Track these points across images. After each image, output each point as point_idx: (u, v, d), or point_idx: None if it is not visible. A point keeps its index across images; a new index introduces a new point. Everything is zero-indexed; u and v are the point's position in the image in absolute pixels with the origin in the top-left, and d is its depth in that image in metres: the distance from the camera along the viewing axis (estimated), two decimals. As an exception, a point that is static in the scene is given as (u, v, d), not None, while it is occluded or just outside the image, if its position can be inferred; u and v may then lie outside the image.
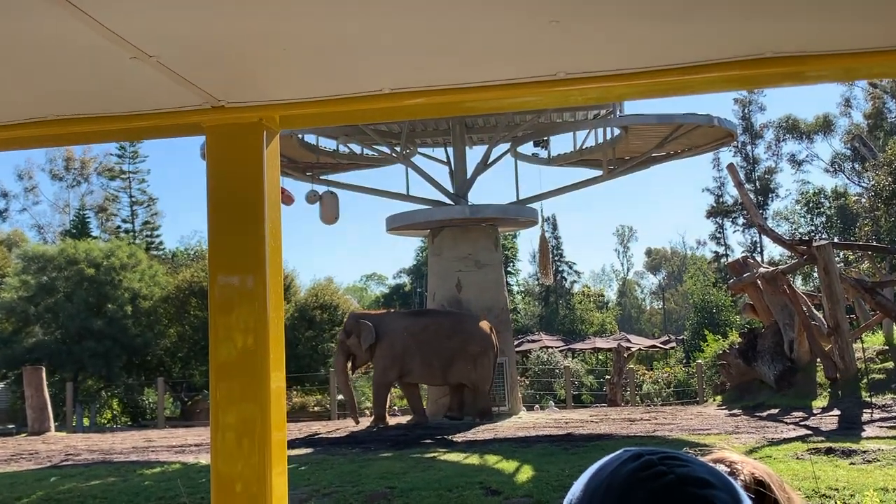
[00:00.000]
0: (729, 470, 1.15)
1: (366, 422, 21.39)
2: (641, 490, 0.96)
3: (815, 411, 18.16)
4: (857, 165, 55.94)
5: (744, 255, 32.39)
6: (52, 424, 23.62)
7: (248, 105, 2.02)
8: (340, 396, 29.48)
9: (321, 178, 24.40)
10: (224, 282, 2.03)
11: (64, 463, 16.15)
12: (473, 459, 14.25)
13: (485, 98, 1.99)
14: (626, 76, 1.89)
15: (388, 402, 21.51)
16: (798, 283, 41.18)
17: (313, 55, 1.81)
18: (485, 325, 20.43)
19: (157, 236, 55.94)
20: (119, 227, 56.47)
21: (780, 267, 23.51)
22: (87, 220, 55.48)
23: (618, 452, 1.03)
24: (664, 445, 14.44)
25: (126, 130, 2.14)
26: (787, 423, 16.93)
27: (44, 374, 24.32)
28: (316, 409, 30.71)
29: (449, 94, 1.97)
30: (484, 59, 1.84)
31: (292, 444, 16.89)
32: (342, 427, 20.75)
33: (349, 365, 20.61)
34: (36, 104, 2.03)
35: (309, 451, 16.09)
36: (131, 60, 1.75)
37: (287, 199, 20.40)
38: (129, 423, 35.14)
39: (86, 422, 34.74)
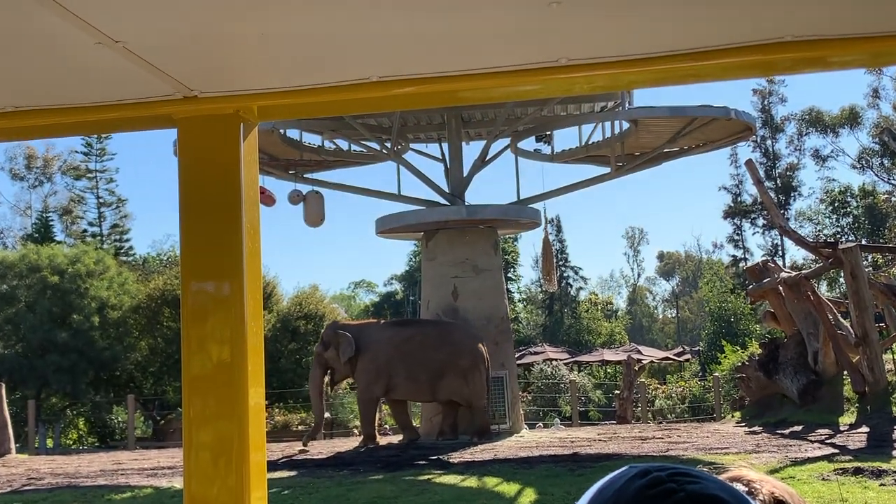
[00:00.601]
0: (747, 489, 1.15)
1: (354, 442, 21.36)
2: None
3: (842, 428, 18.17)
4: (886, 161, 56.08)
5: (764, 258, 32.44)
6: (13, 446, 23.55)
7: (224, 95, 2.01)
8: (327, 414, 29.43)
9: (305, 176, 24.40)
10: (198, 289, 2.02)
11: (25, 488, 16.10)
12: (471, 482, 14.25)
13: (481, 87, 1.99)
14: (634, 62, 1.89)
15: (376, 418, 21.42)
16: (823, 289, 41.25)
17: (294, 41, 1.80)
18: (473, 335, 20.42)
19: (127, 241, 55.90)
20: (85, 230, 56.39)
21: (803, 271, 23.54)
22: (51, 223, 55.34)
23: (623, 469, 1.03)
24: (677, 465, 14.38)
25: (91, 123, 2.14)
26: (811, 440, 16.95)
27: (3, 391, 24.23)
28: (300, 427, 30.67)
29: (442, 83, 1.97)
30: (479, 44, 1.84)
31: (274, 465, 16.86)
32: (329, 447, 20.71)
33: (327, 380, 20.49)
34: (-9, 95, 2.02)
35: (292, 473, 16.07)
36: (96, 46, 1.74)
37: (267, 199, 20.39)
38: (97, 444, 35.08)
39: (49, 443, 34.68)
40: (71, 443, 37.25)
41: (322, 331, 21.13)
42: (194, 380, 2.01)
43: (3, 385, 25.05)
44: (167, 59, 1.84)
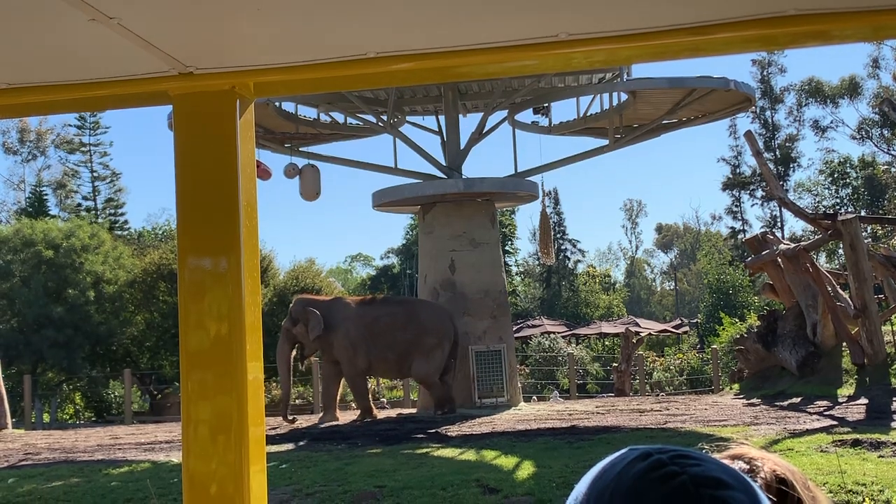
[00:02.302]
0: (748, 467, 1.16)
1: (351, 415, 21.43)
2: (653, 492, 0.96)
3: (840, 400, 18.23)
4: (885, 132, 56.03)
5: (763, 230, 32.47)
6: (10, 421, 23.62)
7: (220, 71, 2.00)
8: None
9: (301, 149, 24.32)
10: (195, 265, 2.03)
11: (22, 463, 16.16)
12: (469, 455, 14.31)
13: (479, 62, 1.98)
14: (634, 37, 1.88)
15: (368, 390, 21.46)
16: (822, 260, 41.31)
17: (290, 16, 1.79)
18: (441, 313, 20.48)
19: (122, 214, 55.88)
20: (80, 204, 56.32)
21: (802, 243, 23.57)
22: (45, 197, 55.32)
23: (623, 451, 1.03)
24: (677, 438, 14.51)
25: (86, 100, 2.13)
26: (810, 412, 17.01)
27: (-1, 367, 24.32)
28: (297, 401, 30.77)
29: (440, 59, 1.96)
30: (478, 19, 1.83)
31: (271, 439, 16.93)
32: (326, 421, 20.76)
33: (293, 354, 20.49)
34: (-14, 72, 2.02)
35: (290, 447, 16.13)
36: (90, 23, 1.73)
37: (263, 173, 20.35)
38: (94, 419, 35.21)
39: (46, 418, 34.81)
40: (67, 417, 37.38)
41: (290, 306, 21.05)
42: (193, 355, 2.02)
43: (-1, 360, 25.14)
44: (162, 36, 1.84)
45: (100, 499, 12.55)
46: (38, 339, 33.28)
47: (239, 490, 1.98)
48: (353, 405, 25.73)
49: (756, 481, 1.13)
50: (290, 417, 20.13)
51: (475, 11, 1.79)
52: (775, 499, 1.12)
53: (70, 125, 58.24)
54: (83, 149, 56.23)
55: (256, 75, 2.03)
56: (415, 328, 19.87)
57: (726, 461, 1.18)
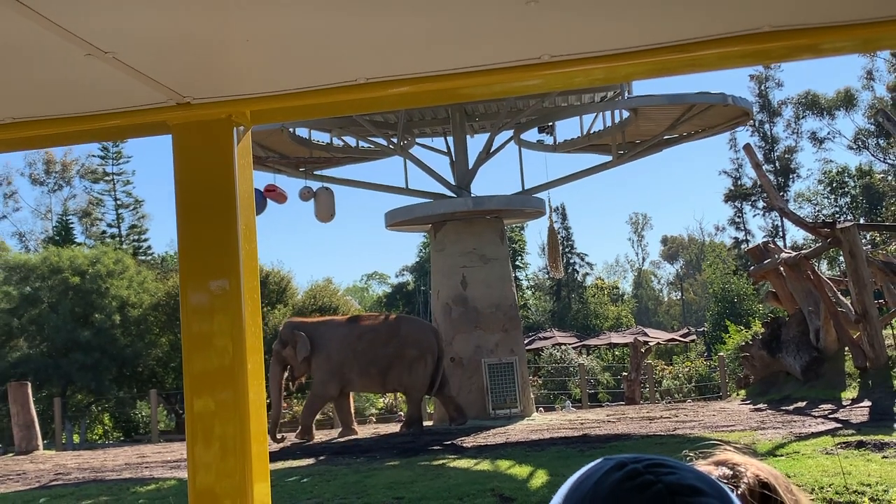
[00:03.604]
0: (732, 473, 1.14)
1: (370, 429, 21.40)
2: (629, 502, 0.94)
3: (844, 403, 18.13)
4: (881, 141, 55.87)
5: (765, 240, 32.36)
6: (41, 443, 23.64)
7: (216, 100, 2.00)
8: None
9: (315, 173, 24.39)
10: (197, 290, 2.02)
11: (53, 483, 16.17)
12: (484, 465, 14.25)
13: (468, 85, 1.98)
14: (632, 54, 1.87)
15: (317, 415, 21.31)
16: (823, 267, 41.14)
17: (280, 45, 1.79)
18: (423, 327, 20.47)
19: (145, 240, 56.02)
20: (104, 231, 56.52)
21: (803, 251, 23.46)
22: (71, 225, 55.52)
23: (598, 461, 1.01)
24: (686, 444, 14.40)
25: (87, 132, 2.13)
26: (815, 416, 16.92)
27: (30, 390, 24.35)
28: (318, 417, 30.72)
29: (428, 83, 1.96)
30: (464, 43, 1.82)
31: (292, 454, 16.91)
32: (341, 436, 20.75)
33: (285, 376, 20.39)
34: (-11, 107, 2.02)
35: (310, 461, 16.11)
36: (86, 58, 1.73)
37: (279, 196, 20.39)
38: (122, 439, 35.21)
39: (76, 438, 34.83)
40: (96, 438, 37.40)
41: (280, 329, 21.00)
42: (196, 377, 2.02)
43: (30, 384, 25.17)
44: (158, 68, 1.83)
45: (127, 516, 12.55)
46: (66, 363, 33.36)
47: (244, 507, 1.97)
48: (372, 419, 25.68)
49: (740, 487, 1.12)
50: (280, 437, 19.96)
51: (460, 36, 1.78)
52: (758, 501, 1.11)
53: (94, 155, 58.58)
54: (107, 178, 56.46)
55: (252, 103, 2.02)
56: (396, 342, 19.86)
57: (710, 467, 1.16)
